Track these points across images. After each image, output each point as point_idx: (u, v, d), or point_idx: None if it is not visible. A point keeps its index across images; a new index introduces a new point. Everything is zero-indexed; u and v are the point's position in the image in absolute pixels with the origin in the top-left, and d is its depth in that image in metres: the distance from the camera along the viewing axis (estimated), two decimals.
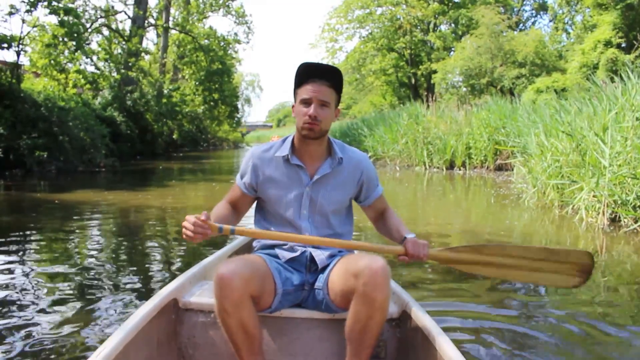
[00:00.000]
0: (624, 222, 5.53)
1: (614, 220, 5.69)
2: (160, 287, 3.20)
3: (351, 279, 1.89)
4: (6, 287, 3.60)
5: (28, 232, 5.70)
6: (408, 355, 2.14)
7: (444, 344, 1.80)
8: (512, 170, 12.50)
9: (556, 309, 3.41)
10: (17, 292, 3.50)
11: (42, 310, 3.13)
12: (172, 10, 32.23)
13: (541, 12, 45.65)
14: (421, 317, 2.02)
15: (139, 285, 3.73)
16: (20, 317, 3.02)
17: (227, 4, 33.01)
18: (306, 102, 2.09)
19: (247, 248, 2.92)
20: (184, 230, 1.91)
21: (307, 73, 2.10)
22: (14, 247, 4.94)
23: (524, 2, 44.56)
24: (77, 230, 5.86)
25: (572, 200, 6.25)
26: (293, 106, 2.18)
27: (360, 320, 1.88)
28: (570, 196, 6.41)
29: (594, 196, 5.81)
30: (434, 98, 18.23)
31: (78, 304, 3.24)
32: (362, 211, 2.42)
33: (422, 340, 1.97)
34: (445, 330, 1.95)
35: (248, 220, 2.45)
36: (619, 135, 5.84)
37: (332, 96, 2.11)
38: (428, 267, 4.24)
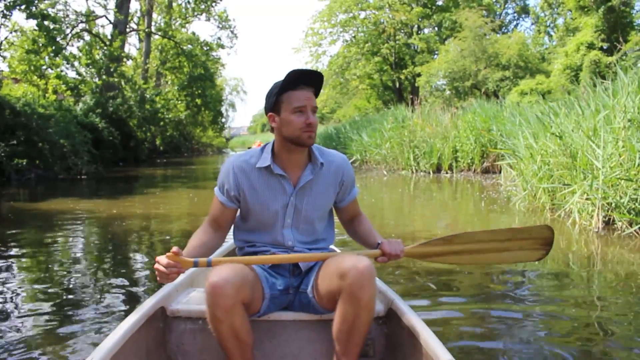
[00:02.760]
0: (619, 225, 5.43)
1: (608, 223, 5.59)
2: (147, 296, 3.17)
3: (337, 280, 1.90)
4: None
5: (6, 244, 5.49)
6: (395, 352, 2.17)
7: (430, 340, 1.84)
8: (499, 172, 12.48)
9: (545, 305, 3.38)
10: None
11: (26, 323, 3.03)
12: (154, 15, 31.91)
13: (523, 15, 46.11)
14: (407, 314, 2.06)
15: (125, 294, 3.64)
16: (1, 330, 2.91)
17: (209, 9, 32.70)
18: (300, 110, 2.03)
19: (232, 255, 2.85)
20: (157, 273, 1.91)
21: (298, 79, 2.04)
22: None
23: (506, 6, 44.97)
24: (58, 241, 5.68)
25: (564, 203, 6.15)
26: (271, 115, 2.11)
27: (347, 320, 1.89)
28: (562, 199, 6.31)
29: (586, 199, 5.72)
30: (419, 101, 18.14)
31: (63, 316, 3.15)
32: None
33: (408, 337, 2.01)
34: (431, 326, 1.99)
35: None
36: (610, 137, 5.76)
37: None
38: (411, 266, 4.27)
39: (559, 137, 6.34)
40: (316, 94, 2.10)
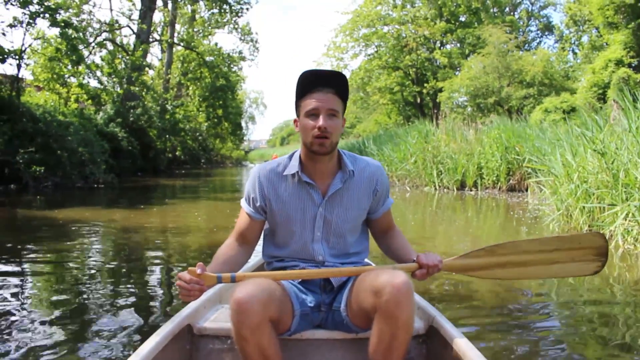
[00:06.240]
0: None
1: None
2: (171, 312, 3.07)
3: (371, 297, 1.78)
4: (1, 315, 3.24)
5: (21, 253, 5.33)
6: None
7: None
8: (525, 191, 12.07)
9: (597, 333, 3.17)
10: (14, 320, 3.16)
11: (40, 341, 2.81)
12: (177, 26, 32.08)
13: (547, 33, 45.67)
14: (449, 331, 1.95)
15: (145, 310, 3.45)
16: (18, 349, 2.69)
17: (233, 20, 32.79)
18: (313, 114, 1.92)
19: (260, 270, 2.72)
20: (179, 290, 1.81)
21: (311, 82, 1.94)
22: (6, 269, 4.57)
23: (529, 23, 44.60)
24: (74, 251, 5.48)
25: (605, 225, 5.77)
26: (295, 121, 2.03)
27: (383, 340, 1.77)
28: (602, 220, 5.92)
29: (631, 220, 5.33)
30: (443, 116, 17.81)
31: (80, 333, 2.96)
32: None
33: (451, 357, 1.88)
34: (476, 344, 1.86)
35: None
36: None
37: (340, 105, 1.96)
38: (452, 280, 4.12)
39: (602, 154, 5.97)
40: (341, 95, 1.96)
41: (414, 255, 2.02)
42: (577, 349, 2.88)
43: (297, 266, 2.04)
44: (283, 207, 2.03)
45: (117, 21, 24.00)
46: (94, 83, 20.94)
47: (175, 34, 31.26)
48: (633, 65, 20.97)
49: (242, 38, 34.98)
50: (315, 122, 1.91)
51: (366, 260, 2.24)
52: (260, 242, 2.20)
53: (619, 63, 20.58)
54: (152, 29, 26.68)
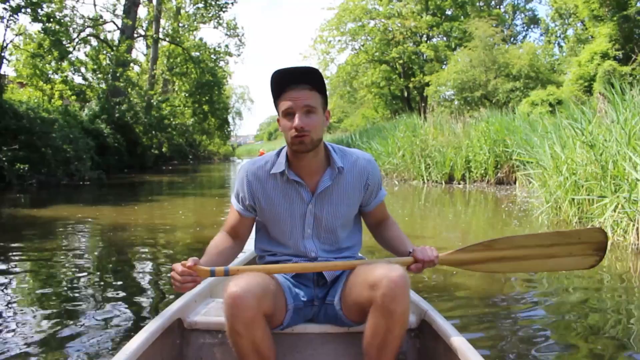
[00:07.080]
0: None
1: None
2: (160, 307, 3.09)
3: (367, 290, 1.76)
4: None
5: (6, 252, 5.23)
6: None
7: (469, 354, 1.70)
8: (514, 184, 12.10)
9: (587, 323, 3.17)
10: (1, 318, 3.13)
11: (27, 339, 2.78)
12: (162, 22, 31.77)
13: (532, 26, 45.90)
14: (442, 325, 1.93)
15: (134, 306, 3.42)
16: (6, 346, 2.65)
17: (218, 14, 32.54)
18: (289, 114, 1.89)
19: (252, 264, 2.67)
20: (172, 281, 1.79)
21: (283, 81, 1.89)
22: None
23: (515, 17, 44.77)
24: (60, 249, 5.41)
25: (594, 216, 5.77)
26: (278, 120, 1.98)
27: (378, 334, 1.75)
28: (591, 212, 5.92)
29: (619, 212, 5.33)
30: (430, 110, 17.80)
31: (72, 329, 2.93)
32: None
33: (443, 350, 1.88)
34: (468, 338, 1.85)
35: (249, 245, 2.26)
36: None
37: (317, 99, 1.90)
38: (446, 274, 4.10)
39: (591, 146, 5.96)
40: (317, 89, 1.90)
41: (409, 247, 2.00)
42: (567, 339, 2.90)
43: (290, 261, 2.02)
44: (272, 206, 2.01)
45: (101, 16, 23.73)
46: (78, 79, 20.71)
47: (161, 29, 30.98)
48: (618, 57, 21.07)
49: (228, 33, 34.76)
50: (292, 122, 1.87)
51: (359, 254, 2.21)
52: (252, 235, 2.18)
53: (605, 56, 20.68)
54: (136, 24, 26.42)
